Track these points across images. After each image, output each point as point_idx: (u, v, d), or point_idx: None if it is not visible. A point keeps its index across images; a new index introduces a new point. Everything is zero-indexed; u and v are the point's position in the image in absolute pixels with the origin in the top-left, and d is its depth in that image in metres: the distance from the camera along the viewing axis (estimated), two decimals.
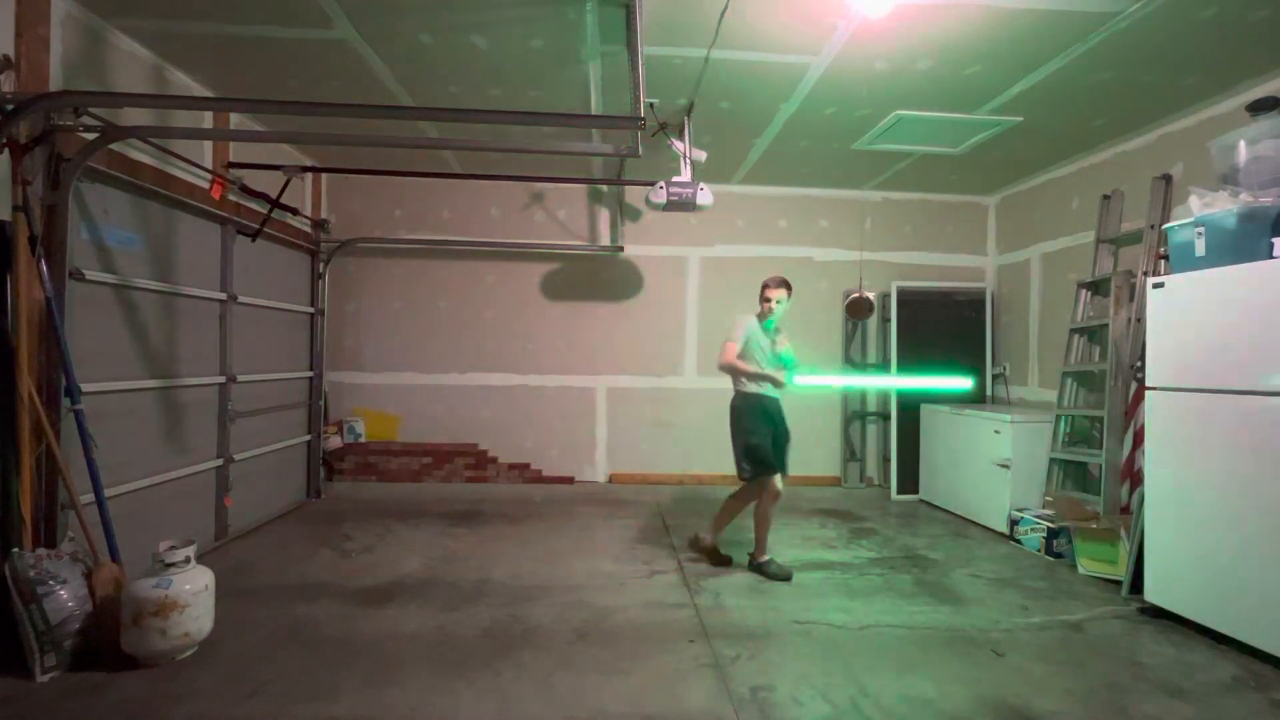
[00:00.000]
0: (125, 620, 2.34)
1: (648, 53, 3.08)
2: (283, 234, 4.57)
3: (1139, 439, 3.63)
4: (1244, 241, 2.69)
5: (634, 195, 5.49)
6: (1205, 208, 2.83)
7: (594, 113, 3.92)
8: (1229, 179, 2.92)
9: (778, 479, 3.46)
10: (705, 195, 3.86)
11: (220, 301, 3.90)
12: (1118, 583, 3.32)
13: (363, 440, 5.39)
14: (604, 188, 5.52)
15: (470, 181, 5.30)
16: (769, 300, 3.50)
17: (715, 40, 3.00)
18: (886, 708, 2.18)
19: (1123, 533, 3.41)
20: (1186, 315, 2.88)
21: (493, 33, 3.05)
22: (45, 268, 2.54)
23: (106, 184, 3.03)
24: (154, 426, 3.37)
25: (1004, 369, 5.44)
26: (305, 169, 4.35)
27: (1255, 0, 2.62)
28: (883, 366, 5.67)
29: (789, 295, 3.54)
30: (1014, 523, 4.13)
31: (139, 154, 3.19)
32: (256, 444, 4.27)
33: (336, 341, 5.41)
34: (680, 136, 3.88)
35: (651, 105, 3.69)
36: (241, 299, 4.07)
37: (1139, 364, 3.59)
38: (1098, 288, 4.30)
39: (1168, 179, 3.83)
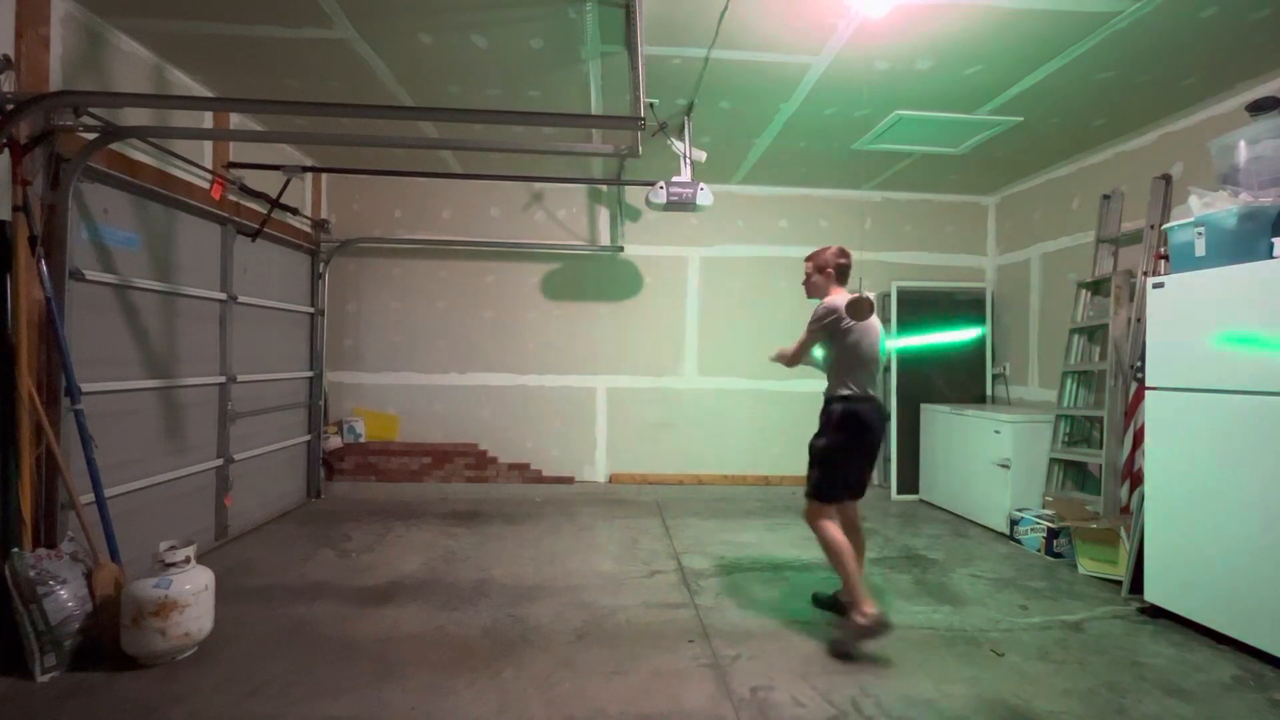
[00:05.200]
0: (125, 620, 2.34)
1: (648, 53, 3.08)
2: (283, 234, 4.57)
3: (1139, 439, 3.63)
4: (1244, 241, 2.69)
5: (634, 195, 5.49)
6: (1205, 208, 2.83)
7: (594, 113, 3.92)
8: (1229, 179, 2.92)
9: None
10: (705, 195, 3.86)
11: (220, 301, 3.90)
12: (1118, 583, 3.32)
13: (363, 440, 5.39)
14: (604, 188, 5.52)
15: (470, 181, 5.30)
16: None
17: (715, 40, 3.00)
18: (886, 708, 2.18)
19: (1123, 533, 3.41)
20: (1186, 315, 2.88)
21: (493, 33, 3.05)
22: (45, 268, 2.54)
23: (106, 184, 3.03)
24: (154, 426, 3.37)
25: (1004, 369, 5.44)
26: (305, 169, 4.35)
27: (1255, 0, 2.62)
28: (883, 366, 5.67)
29: (807, 270, 2.98)
30: (1014, 523, 4.13)
31: (139, 154, 3.19)
32: (256, 444, 4.27)
33: (336, 341, 5.40)
34: (680, 136, 3.88)
35: (651, 105, 3.69)
36: (241, 299, 4.07)
37: (1139, 364, 3.59)
38: (1098, 288, 4.30)
39: (1168, 179, 3.83)
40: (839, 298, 2.78)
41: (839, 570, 2.66)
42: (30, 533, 2.45)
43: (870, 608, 2.53)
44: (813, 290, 2.98)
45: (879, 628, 2.50)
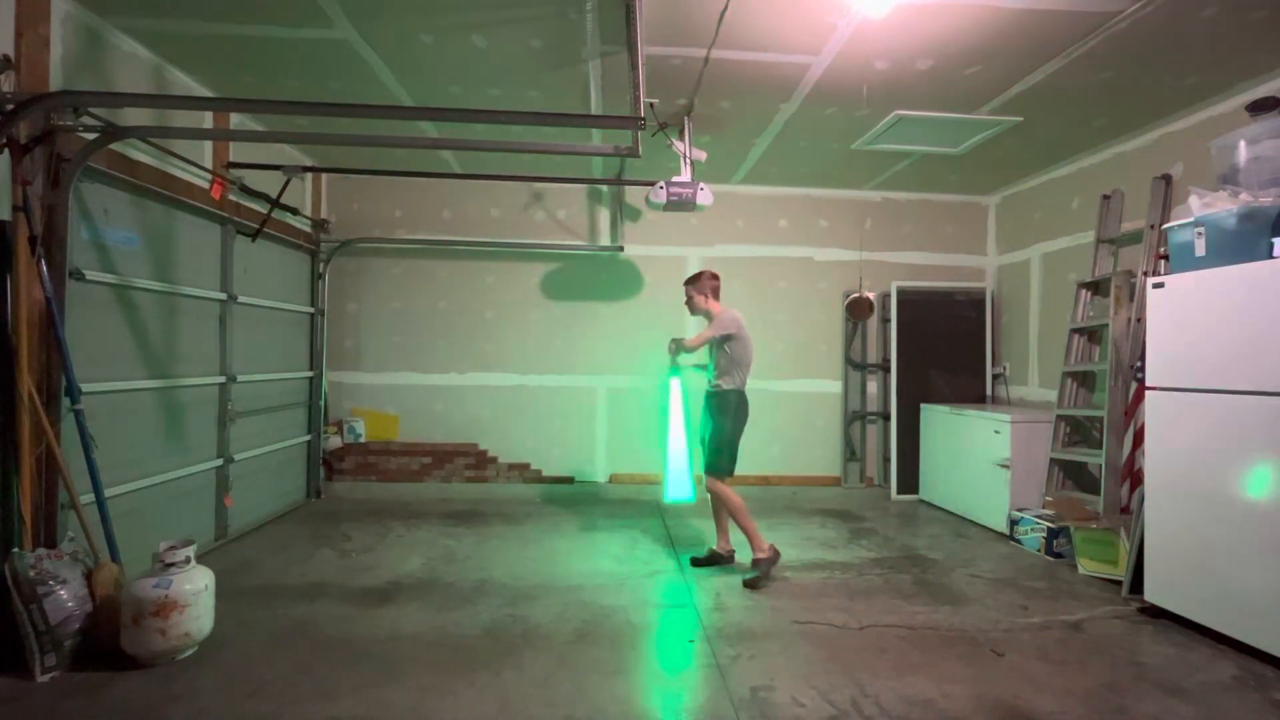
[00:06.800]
0: (125, 620, 2.34)
1: (648, 53, 3.08)
2: (283, 234, 4.57)
3: (1139, 439, 3.63)
4: (1244, 241, 2.69)
5: (634, 195, 5.49)
6: (1205, 208, 2.83)
7: (594, 113, 3.92)
8: (1229, 179, 2.92)
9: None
10: (705, 195, 3.86)
11: (220, 301, 3.90)
12: (1118, 583, 3.32)
13: (363, 440, 5.39)
14: (604, 188, 5.52)
15: (470, 181, 5.29)
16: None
17: (715, 40, 3.00)
18: (886, 708, 2.18)
19: (1123, 533, 3.41)
20: (1186, 315, 2.87)
21: (493, 33, 3.05)
22: (45, 268, 2.54)
23: (106, 184, 3.03)
24: (154, 426, 3.37)
25: (1004, 369, 5.44)
26: (305, 169, 4.35)
27: (1255, 0, 2.63)
28: (883, 366, 5.67)
29: (691, 290, 3.62)
30: (1014, 523, 4.13)
31: (139, 154, 3.19)
32: (256, 444, 4.27)
33: (336, 341, 5.40)
34: (680, 136, 3.88)
35: (651, 105, 3.68)
36: (241, 299, 4.07)
37: (1139, 364, 3.59)
38: (1098, 288, 4.30)
39: (1168, 179, 3.83)
40: (725, 313, 3.48)
41: (743, 524, 3.39)
42: (30, 533, 2.45)
43: (766, 544, 3.37)
44: (695, 308, 3.65)
45: (776, 556, 3.36)
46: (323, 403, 5.15)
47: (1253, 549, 2.54)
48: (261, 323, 4.38)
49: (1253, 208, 2.69)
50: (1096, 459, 3.99)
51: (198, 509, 3.71)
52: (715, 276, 3.63)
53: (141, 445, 3.26)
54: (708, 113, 3.90)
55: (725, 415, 3.44)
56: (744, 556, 3.69)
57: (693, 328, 5.59)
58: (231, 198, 3.91)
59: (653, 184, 3.88)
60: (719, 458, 3.43)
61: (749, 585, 3.26)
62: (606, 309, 5.58)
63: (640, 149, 3.40)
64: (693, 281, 3.61)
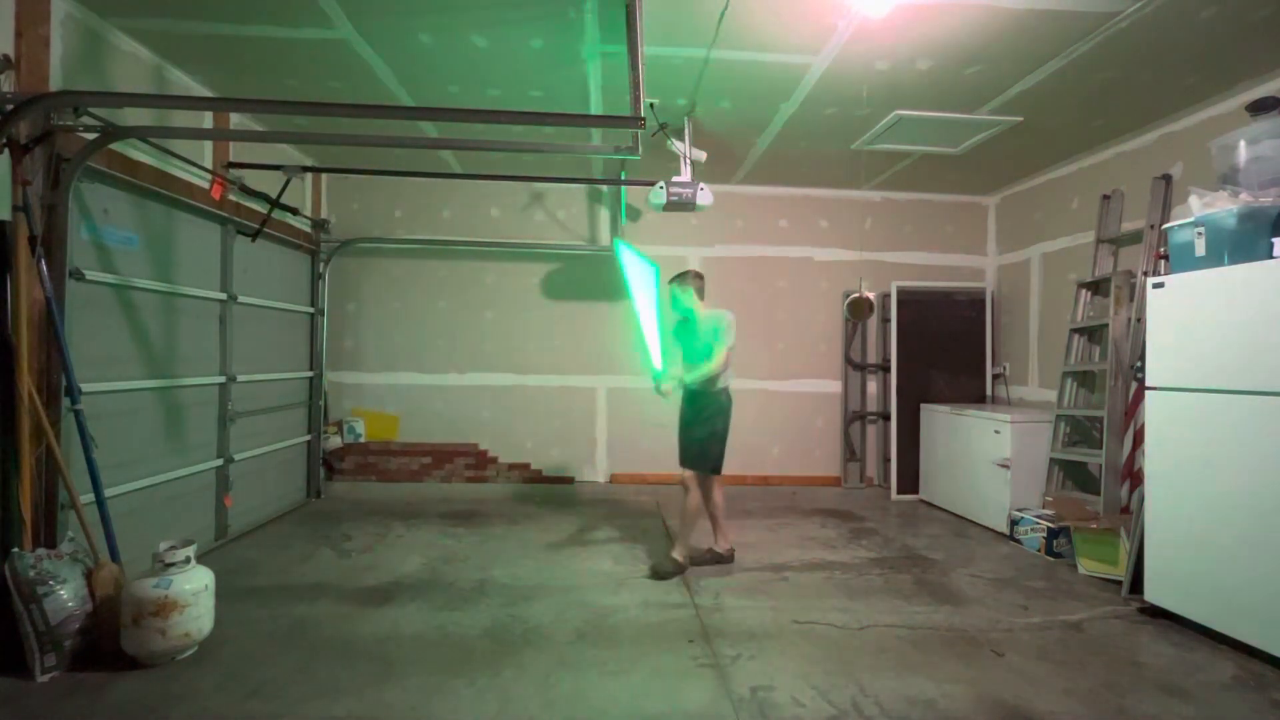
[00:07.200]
0: (125, 620, 2.34)
1: (648, 53, 3.07)
2: (283, 234, 4.57)
3: (1139, 439, 3.63)
4: (1244, 241, 2.69)
5: (634, 195, 5.49)
6: (1205, 208, 2.83)
7: (594, 113, 3.92)
8: (1229, 179, 2.92)
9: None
10: (705, 195, 3.86)
11: (220, 301, 3.90)
12: (1118, 583, 3.32)
13: (363, 440, 5.39)
14: (604, 188, 5.52)
15: (470, 181, 5.29)
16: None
17: (715, 40, 3.00)
18: (886, 708, 2.18)
19: (1123, 533, 3.41)
20: (1186, 315, 2.87)
21: (493, 33, 3.05)
22: (45, 268, 2.54)
23: (106, 184, 3.03)
24: (154, 426, 3.37)
25: (1004, 369, 5.44)
26: (305, 169, 4.35)
27: (1255, 0, 2.63)
28: (883, 366, 5.67)
29: (679, 288, 3.60)
30: (1014, 523, 4.13)
31: (139, 154, 3.19)
32: (256, 444, 4.27)
33: (336, 341, 5.40)
34: (680, 136, 3.88)
35: (651, 105, 3.69)
36: (241, 299, 4.07)
37: (1139, 364, 3.59)
38: (1098, 288, 4.30)
39: (1168, 179, 3.83)
40: (728, 315, 3.47)
41: (688, 524, 3.44)
42: (30, 533, 2.45)
43: (685, 555, 3.43)
44: (681, 306, 3.64)
45: (687, 568, 3.41)
46: (323, 403, 5.15)
47: (1253, 549, 2.54)
48: (261, 323, 4.38)
49: (1253, 208, 2.69)
50: (1096, 459, 3.99)
51: (198, 509, 3.71)
52: (700, 275, 3.66)
53: (141, 445, 3.26)
54: (708, 113, 3.90)
55: (720, 415, 3.49)
56: (742, 556, 3.69)
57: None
58: (231, 198, 3.91)
59: (653, 184, 3.89)
60: (714, 456, 3.47)
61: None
62: (606, 309, 5.58)
63: (640, 149, 3.40)
64: (679, 280, 3.62)
